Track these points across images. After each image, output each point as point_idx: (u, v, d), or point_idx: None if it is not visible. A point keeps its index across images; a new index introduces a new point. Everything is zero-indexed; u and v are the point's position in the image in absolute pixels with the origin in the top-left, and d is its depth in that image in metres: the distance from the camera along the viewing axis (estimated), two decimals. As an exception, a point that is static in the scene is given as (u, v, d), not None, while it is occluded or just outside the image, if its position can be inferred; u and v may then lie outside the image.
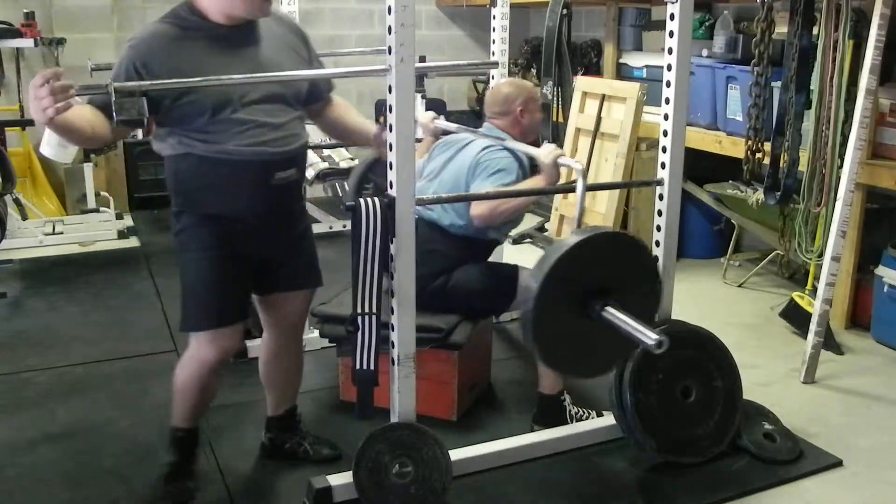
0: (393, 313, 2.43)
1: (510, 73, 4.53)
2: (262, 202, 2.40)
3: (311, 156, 5.06)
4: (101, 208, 5.52)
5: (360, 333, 2.36)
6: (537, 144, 2.89)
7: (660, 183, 2.72)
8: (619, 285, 2.38)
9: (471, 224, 2.91)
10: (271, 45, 2.40)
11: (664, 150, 2.70)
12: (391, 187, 2.37)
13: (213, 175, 2.33)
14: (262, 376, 2.76)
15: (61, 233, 5.30)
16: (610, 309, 2.31)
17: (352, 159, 5.42)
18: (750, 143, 3.75)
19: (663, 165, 2.71)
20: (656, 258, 2.70)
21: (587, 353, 2.46)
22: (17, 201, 4.97)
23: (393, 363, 2.47)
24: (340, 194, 5.56)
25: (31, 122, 5.36)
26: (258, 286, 2.56)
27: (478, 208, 2.84)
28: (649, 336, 2.20)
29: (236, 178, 2.33)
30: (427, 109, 3.60)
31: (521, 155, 2.95)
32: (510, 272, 2.98)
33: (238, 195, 2.36)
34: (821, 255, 3.60)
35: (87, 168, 5.46)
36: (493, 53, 3.72)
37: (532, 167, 2.95)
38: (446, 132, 3.22)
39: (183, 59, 2.25)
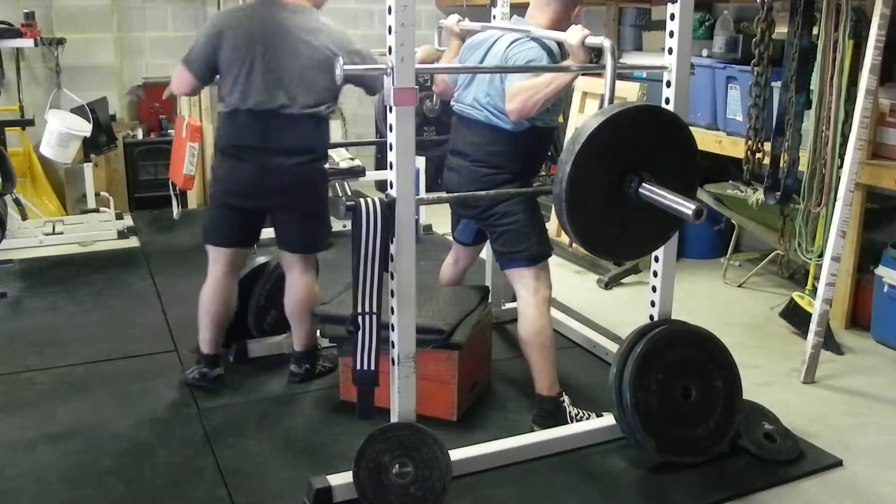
0: (393, 313, 2.44)
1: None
2: None
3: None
4: (101, 208, 5.51)
5: (360, 333, 2.36)
6: None
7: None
8: (655, 161, 2.31)
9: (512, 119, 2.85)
10: None
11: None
12: (391, 187, 2.37)
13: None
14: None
15: (61, 233, 5.30)
16: (647, 185, 2.26)
17: (352, 159, 5.41)
18: (750, 143, 3.75)
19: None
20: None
21: (623, 233, 2.39)
22: (17, 201, 4.96)
23: (393, 363, 2.47)
24: (340, 194, 5.55)
25: (31, 122, 5.37)
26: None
27: (511, 104, 2.75)
28: (687, 206, 2.15)
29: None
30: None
31: (550, 42, 2.86)
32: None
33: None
34: (821, 255, 3.60)
35: (87, 168, 5.45)
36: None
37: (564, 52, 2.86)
38: (472, 33, 3.17)
39: None
